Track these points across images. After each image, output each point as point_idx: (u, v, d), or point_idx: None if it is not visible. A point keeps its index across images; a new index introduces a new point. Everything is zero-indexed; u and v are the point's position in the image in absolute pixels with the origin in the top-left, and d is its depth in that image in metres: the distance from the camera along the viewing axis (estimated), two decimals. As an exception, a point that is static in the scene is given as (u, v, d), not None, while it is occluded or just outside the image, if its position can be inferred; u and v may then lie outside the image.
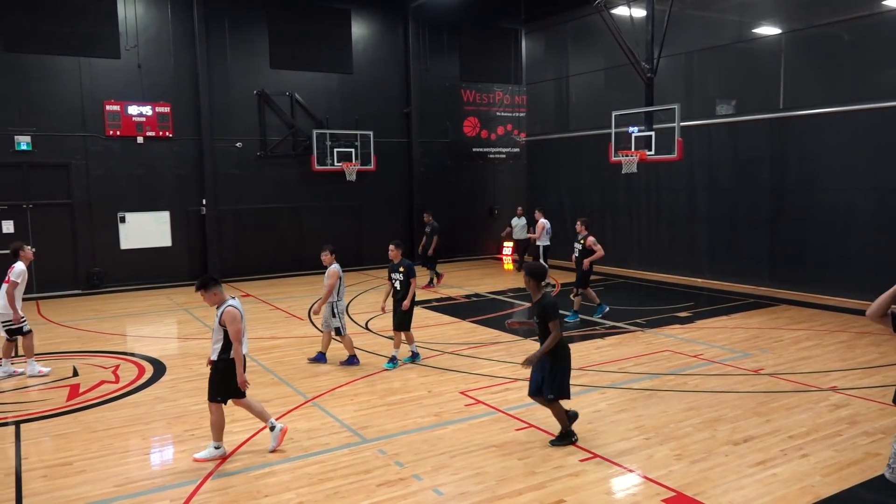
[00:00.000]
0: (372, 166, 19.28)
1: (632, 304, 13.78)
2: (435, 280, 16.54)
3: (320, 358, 9.76)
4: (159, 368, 9.73)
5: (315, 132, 18.59)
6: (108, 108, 16.54)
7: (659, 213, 17.68)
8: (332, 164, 18.61)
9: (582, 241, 12.10)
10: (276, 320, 13.02)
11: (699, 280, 16.46)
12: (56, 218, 16.28)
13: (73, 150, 16.34)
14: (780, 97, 15.01)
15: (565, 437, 6.61)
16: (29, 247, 9.67)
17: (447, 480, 5.90)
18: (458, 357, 9.95)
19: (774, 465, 6.09)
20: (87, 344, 11.29)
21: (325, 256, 9.52)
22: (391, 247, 9.64)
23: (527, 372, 9.00)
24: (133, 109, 16.82)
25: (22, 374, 9.44)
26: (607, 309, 12.62)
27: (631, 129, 14.77)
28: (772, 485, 5.72)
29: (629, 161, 14.67)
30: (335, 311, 9.49)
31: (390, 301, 9.67)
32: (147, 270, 17.13)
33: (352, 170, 18.75)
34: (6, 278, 9.15)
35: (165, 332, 12.49)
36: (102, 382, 9.01)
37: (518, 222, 18.61)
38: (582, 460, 6.26)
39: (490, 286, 16.45)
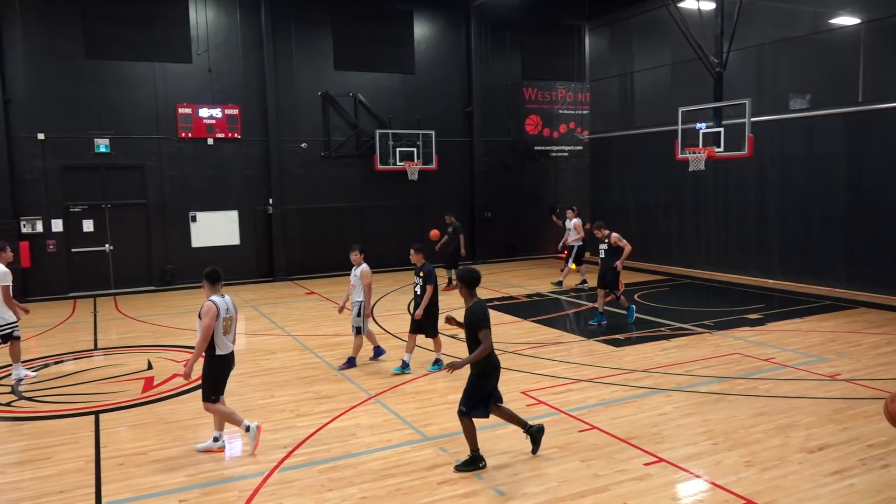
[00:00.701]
0: (434, 165, 19.37)
1: (699, 306, 13.42)
2: (454, 280, 16.35)
3: (380, 352, 9.85)
4: (228, 363, 9.99)
5: (378, 132, 18.82)
6: (180, 111, 17.16)
7: (728, 212, 17.16)
8: (395, 164, 18.78)
9: (607, 241, 11.73)
10: (339, 318, 13.22)
11: (770, 281, 15.90)
12: (132, 217, 16.98)
13: (147, 151, 17.01)
14: (858, 90, 14.34)
15: (472, 463, 6.07)
16: (8, 247, 9.36)
17: (508, 480, 5.88)
18: (519, 356, 9.90)
19: (852, 476, 5.83)
20: (160, 339, 11.73)
21: (357, 256, 9.43)
22: (412, 251, 9.43)
23: (589, 373, 8.93)
24: (204, 112, 17.40)
25: (35, 376, 9.46)
26: (605, 322, 11.87)
27: (699, 125, 14.39)
28: (849, 496, 5.47)
29: (697, 158, 14.28)
30: (361, 310, 9.44)
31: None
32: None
33: (414, 169, 18.89)
34: None
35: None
36: (175, 376, 9.35)
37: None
38: (646, 464, 6.14)
39: (551, 286, 16.28)
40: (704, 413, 7.40)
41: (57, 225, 16.25)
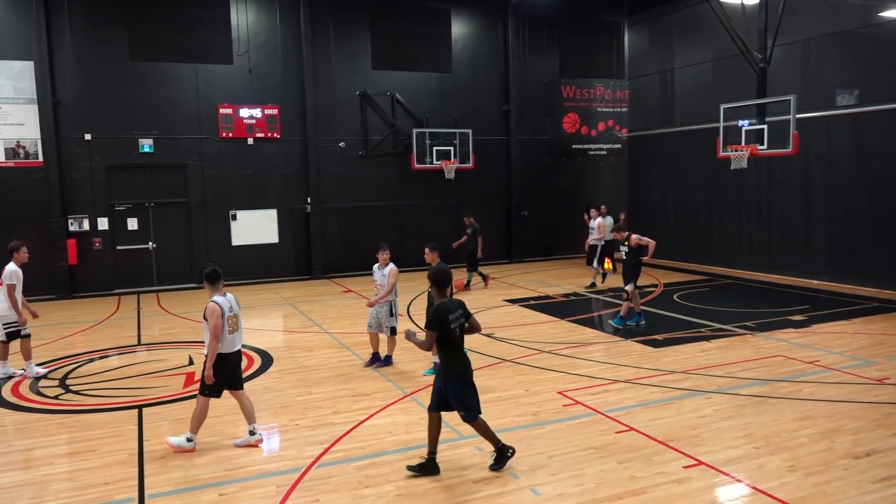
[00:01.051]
0: (470, 164, 19.37)
1: (740, 306, 13.15)
2: (484, 282, 16.08)
3: (377, 359, 9.57)
4: (267, 360, 10.17)
5: (415, 131, 18.89)
6: (221, 111, 17.46)
7: (771, 211, 16.78)
8: (432, 163, 18.84)
9: (627, 244, 11.50)
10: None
11: (815, 282, 15.50)
12: (174, 216, 17.35)
13: (189, 151, 17.36)
14: (909, 85, 13.90)
15: (501, 457, 6.02)
16: (25, 248, 9.34)
17: (544, 481, 5.85)
18: (556, 356, 9.84)
19: (901, 483, 5.65)
20: (201, 335, 11.92)
21: (386, 255, 9.37)
22: (427, 249, 9.25)
23: (627, 373, 8.83)
24: (244, 112, 17.67)
25: (22, 373, 9.45)
26: (643, 322, 11.67)
27: (741, 122, 14.10)
28: (898, 503, 5.32)
29: (739, 156, 14.00)
30: (393, 310, 9.40)
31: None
32: (256, 266, 17.96)
33: (450, 168, 18.91)
34: None
35: (272, 324, 13.05)
36: (215, 371, 9.49)
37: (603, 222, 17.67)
38: (686, 467, 6.04)
39: (584, 290, 16.12)
40: (746, 416, 7.26)
41: (103, 223, 16.70)
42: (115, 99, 16.59)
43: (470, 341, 10.71)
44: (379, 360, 9.56)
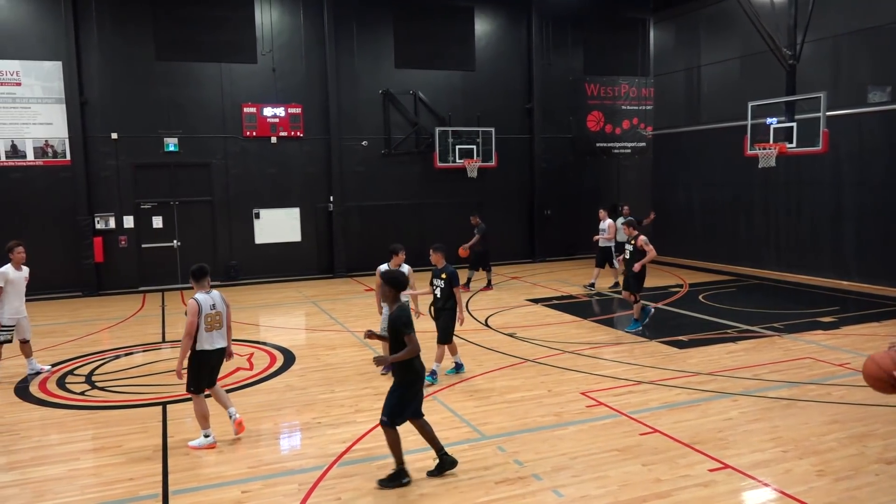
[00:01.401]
0: (493, 163, 19.33)
1: (768, 307, 12.96)
2: (488, 281, 15.90)
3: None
4: (289, 358, 10.23)
5: (437, 129, 18.90)
6: (245, 110, 17.61)
7: (800, 210, 16.53)
8: (454, 161, 18.84)
9: (633, 243, 11.25)
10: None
11: (845, 283, 15.24)
12: (198, 214, 17.54)
13: (214, 150, 17.54)
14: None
15: (395, 478, 5.82)
16: (21, 248, 9.20)
17: (567, 482, 5.82)
18: (579, 357, 9.79)
19: (934, 489, 5.53)
20: (225, 332, 12.07)
21: (401, 257, 9.01)
22: (431, 251, 8.85)
23: (652, 374, 8.75)
24: (268, 111, 17.81)
25: (49, 369, 9.59)
26: (640, 327, 11.25)
27: (769, 120, 13.90)
28: (931, 510, 5.20)
29: (767, 154, 13.82)
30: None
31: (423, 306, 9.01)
32: (278, 264, 18.10)
33: (473, 167, 18.90)
34: None
35: (295, 323, 13.14)
36: (238, 369, 9.60)
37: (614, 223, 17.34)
38: (711, 470, 5.97)
39: (608, 290, 16.01)
40: (773, 419, 7.15)
41: (128, 221, 16.94)
42: (141, 98, 16.81)
43: (492, 341, 10.74)
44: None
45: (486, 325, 12.14)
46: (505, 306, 13.60)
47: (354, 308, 14.08)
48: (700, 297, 14.08)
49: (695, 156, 19.39)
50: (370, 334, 6.21)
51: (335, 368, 9.59)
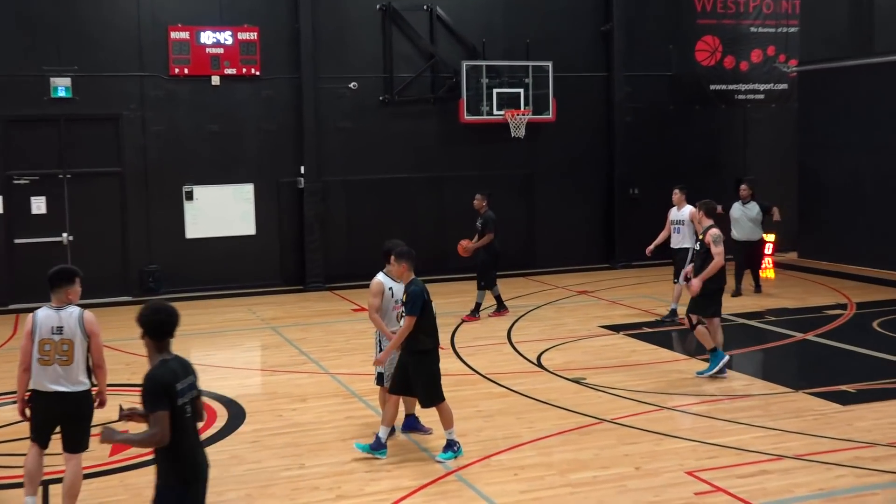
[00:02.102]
0: (550, 115, 19.30)
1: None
2: (499, 308, 15.27)
3: (412, 423, 9.36)
4: (236, 414, 10.16)
5: (465, 65, 18.86)
6: (172, 35, 17.63)
7: None
8: (491, 113, 18.84)
9: (701, 238, 11.27)
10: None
11: None
12: (101, 193, 17.58)
13: (124, 95, 17.59)
14: None
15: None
16: None
17: None
18: (683, 414, 9.78)
19: None
20: (136, 373, 11.98)
21: (404, 265, 8.84)
22: (393, 257, 8.63)
23: (798, 445, 8.55)
24: (206, 37, 17.82)
25: None
26: (724, 361, 11.09)
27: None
28: None
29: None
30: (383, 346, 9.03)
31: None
32: (222, 270, 18.05)
33: (520, 121, 18.83)
34: None
35: (245, 360, 13.16)
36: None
37: (744, 212, 16.94)
38: None
39: (739, 302, 15.88)
40: None
41: (-6, 204, 17.03)
42: (16, 20, 16.89)
43: (548, 389, 10.60)
44: (416, 424, 9.34)
45: (539, 364, 12.06)
46: (568, 336, 13.52)
47: (336, 338, 14.06)
48: (874, 325, 14.03)
49: (864, 104, 19.18)
50: (128, 415, 5.46)
51: (306, 430, 9.53)
